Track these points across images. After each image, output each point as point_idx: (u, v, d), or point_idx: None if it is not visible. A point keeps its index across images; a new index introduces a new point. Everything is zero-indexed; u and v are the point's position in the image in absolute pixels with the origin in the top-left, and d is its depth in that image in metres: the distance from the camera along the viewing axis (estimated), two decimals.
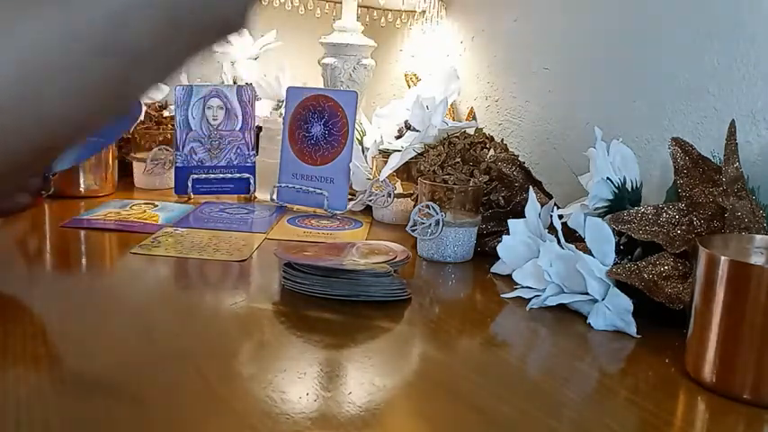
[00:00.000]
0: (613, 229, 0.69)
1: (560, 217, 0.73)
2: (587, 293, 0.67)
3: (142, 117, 1.18)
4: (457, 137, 0.95)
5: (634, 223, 0.70)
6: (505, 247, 0.77)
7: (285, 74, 1.28)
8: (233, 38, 1.30)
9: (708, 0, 0.82)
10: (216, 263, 0.79)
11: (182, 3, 0.34)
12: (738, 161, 0.69)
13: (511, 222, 0.78)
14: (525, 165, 0.91)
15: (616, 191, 0.75)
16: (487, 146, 0.94)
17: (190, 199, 1.10)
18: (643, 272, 0.66)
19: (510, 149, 0.97)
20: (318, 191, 1.04)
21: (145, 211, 0.99)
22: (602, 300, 0.66)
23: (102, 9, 0.32)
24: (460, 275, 0.82)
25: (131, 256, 0.80)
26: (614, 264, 0.68)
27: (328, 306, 0.67)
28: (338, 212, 1.04)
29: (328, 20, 1.29)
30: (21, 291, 0.68)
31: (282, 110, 1.12)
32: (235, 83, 1.30)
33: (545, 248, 0.71)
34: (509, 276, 0.76)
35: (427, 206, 0.84)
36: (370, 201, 1.03)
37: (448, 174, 0.88)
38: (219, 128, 1.11)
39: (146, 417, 0.46)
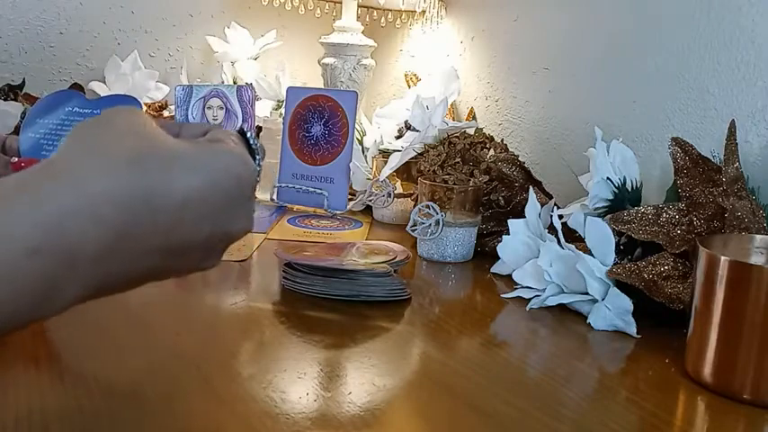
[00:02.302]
0: (613, 229, 0.69)
1: (560, 217, 0.73)
2: (587, 293, 0.67)
3: None
4: (457, 137, 0.94)
5: (634, 223, 0.70)
6: (505, 247, 0.77)
7: (285, 74, 1.28)
8: (233, 35, 1.31)
9: (708, 0, 0.82)
10: None
11: (133, 224, 0.33)
12: (738, 161, 0.69)
13: (511, 222, 0.78)
14: (525, 165, 0.91)
15: (616, 191, 0.75)
16: (487, 146, 0.94)
17: None
18: (643, 272, 0.66)
19: (510, 149, 0.97)
20: (318, 191, 1.04)
21: None
22: (602, 300, 0.66)
23: (38, 216, 0.31)
24: (460, 275, 0.82)
25: None
26: (614, 264, 0.68)
27: (328, 306, 0.67)
28: (338, 212, 1.04)
29: (328, 20, 1.29)
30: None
31: (282, 110, 1.12)
32: (235, 83, 1.30)
33: (545, 248, 0.71)
34: (509, 276, 0.76)
35: (427, 206, 0.84)
36: (370, 201, 1.03)
37: (448, 174, 0.88)
38: None
39: (146, 417, 0.46)
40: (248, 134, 0.43)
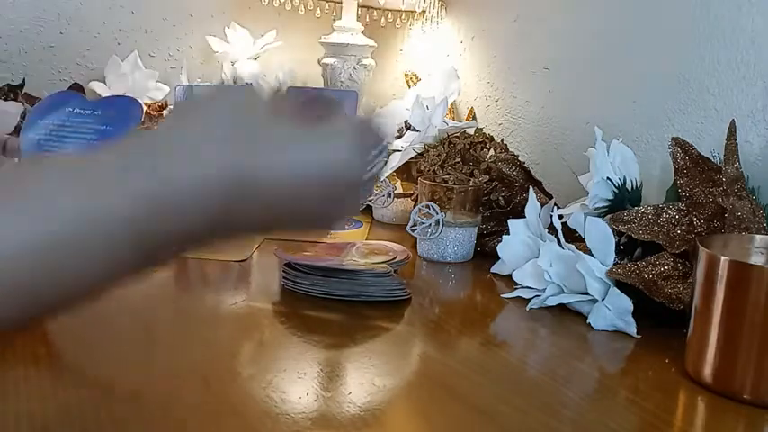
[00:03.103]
0: (613, 229, 0.69)
1: (560, 217, 0.73)
2: (587, 293, 0.67)
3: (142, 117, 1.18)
4: (457, 137, 0.94)
5: (634, 223, 0.70)
6: (505, 247, 0.77)
7: (285, 74, 1.28)
8: (233, 35, 1.31)
9: (708, 0, 0.82)
10: (216, 263, 0.79)
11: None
12: (738, 161, 0.69)
13: (511, 222, 0.78)
14: (525, 165, 0.90)
15: (616, 191, 0.75)
16: (487, 146, 0.94)
17: None
18: (643, 272, 0.66)
19: (510, 149, 0.97)
20: None
21: None
22: (602, 300, 0.66)
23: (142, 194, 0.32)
24: (460, 275, 0.82)
25: None
26: (614, 264, 0.67)
27: (328, 306, 0.67)
28: None
29: (328, 20, 1.29)
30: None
31: None
32: (235, 83, 1.29)
33: (545, 248, 0.71)
34: (509, 276, 0.76)
35: (427, 206, 0.84)
36: (370, 201, 1.03)
37: (448, 174, 0.88)
38: None
39: (146, 417, 0.46)
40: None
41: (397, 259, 0.75)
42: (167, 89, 1.25)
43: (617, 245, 0.70)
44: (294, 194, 0.36)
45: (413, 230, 0.85)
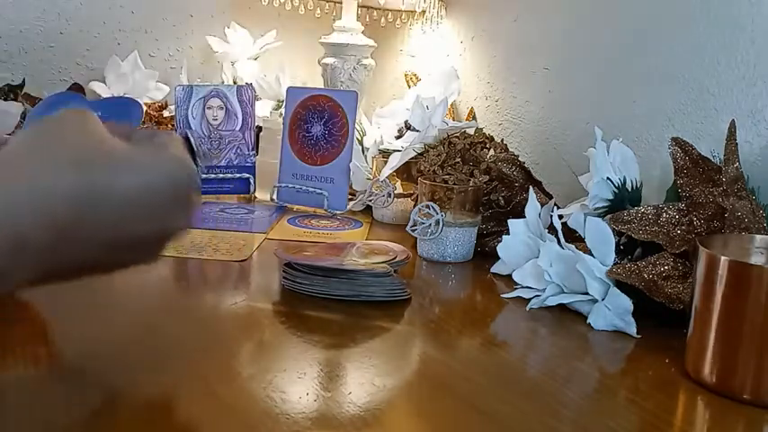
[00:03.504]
0: (613, 229, 0.69)
1: (560, 217, 0.73)
2: (587, 293, 0.67)
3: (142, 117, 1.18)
4: (457, 137, 0.94)
5: (634, 223, 0.70)
6: (505, 247, 0.77)
7: (285, 74, 1.28)
8: (233, 35, 1.31)
9: (708, 0, 0.82)
10: (216, 263, 0.79)
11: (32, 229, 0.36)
12: (738, 161, 0.69)
13: (511, 222, 0.78)
14: (525, 165, 0.91)
15: (616, 191, 0.75)
16: (487, 146, 0.94)
17: None
18: (643, 272, 0.66)
19: (510, 149, 0.97)
20: (318, 191, 1.04)
21: None
22: (602, 300, 0.66)
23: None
24: (460, 275, 0.82)
25: None
26: (614, 264, 0.68)
27: (328, 306, 0.67)
28: (338, 212, 1.04)
29: (328, 20, 1.29)
30: (21, 290, 0.68)
31: (282, 110, 1.12)
32: (235, 83, 1.30)
33: (545, 248, 0.71)
34: (509, 276, 0.76)
35: (427, 206, 0.84)
36: (370, 201, 1.03)
37: (448, 174, 0.88)
38: (219, 128, 1.11)
39: (146, 417, 0.46)
40: (191, 140, 0.49)
41: (397, 259, 0.75)
42: (167, 89, 1.25)
43: (617, 245, 0.70)
44: (135, 207, 0.39)
45: (413, 230, 0.85)
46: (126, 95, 1.18)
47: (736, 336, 0.53)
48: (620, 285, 0.66)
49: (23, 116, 0.99)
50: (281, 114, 1.12)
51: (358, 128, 1.10)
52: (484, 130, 1.07)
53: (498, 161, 0.89)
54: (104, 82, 1.22)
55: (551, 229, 0.73)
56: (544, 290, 0.71)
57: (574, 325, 0.67)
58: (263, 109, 1.27)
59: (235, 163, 1.12)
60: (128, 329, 0.60)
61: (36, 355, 0.53)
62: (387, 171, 0.99)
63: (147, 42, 1.31)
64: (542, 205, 0.78)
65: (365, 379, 0.53)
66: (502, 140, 0.99)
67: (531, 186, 0.83)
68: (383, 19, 1.29)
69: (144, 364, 0.53)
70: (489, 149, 0.93)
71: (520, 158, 0.92)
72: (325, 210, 1.04)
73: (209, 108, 1.11)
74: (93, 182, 0.37)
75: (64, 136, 0.39)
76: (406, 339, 0.63)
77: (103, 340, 0.57)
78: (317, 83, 1.28)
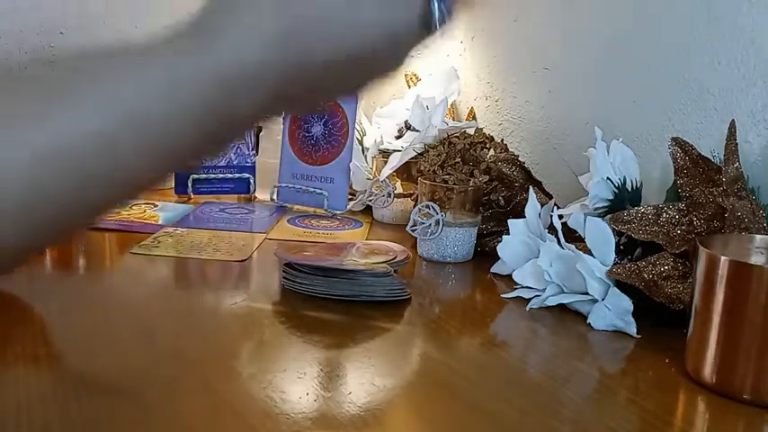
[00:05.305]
0: (613, 229, 0.69)
1: (560, 217, 0.73)
2: (587, 293, 0.67)
3: None
4: (457, 137, 0.94)
5: (634, 223, 0.70)
6: (505, 247, 0.77)
7: None
8: None
9: (708, 0, 0.82)
10: (216, 263, 0.79)
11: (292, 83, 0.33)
12: (738, 161, 0.69)
13: (511, 222, 0.78)
14: (525, 165, 0.90)
15: (616, 191, 0.75)
16: (487, 146, 0.94)
17: (190, 199, 1.09)
18: (643, 272, 0.66)
19: (510, 149, 0.97)
20: (318, 191, 1.04)
21: (145, 211, 0.99)
22: (602, 300, 0.66)
23: (211, 76, 0.31)
24: (460, 275, 0.82)
25: (131, 256, 0.80)
26: (614, 264, 0.67)
27: (328, 306, 0.67)
28: (338, 212, 1.04)
29: None
30: (21, 290, 0.68)
31: None
32: None
33: (545, 248, 0.71)
34: (509, 276, 0.76)
35: (427, 206, 0.84)
36: (370, 201, 1.03)
37: (448, 174, 0.88)
38: None
39: (146, 417, 0.46)
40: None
41: (397, 259, 0.75)
42: None
43: (617, 245, 0.70)
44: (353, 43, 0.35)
45: (413, 230, 0.85)
46: None
47: (736, 336, 0.53)
48: (620, 285, 0.66)
49: None
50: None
51: (358, 128, 1.10)
52: (484, 130, 1.07)
53: (498, 161, 0.89)
54: None
55: (551, 229, 0.73)
56: (544, 290, 0.71)
57: (574, 325, 0.67)
58: None
59: (235, 163, 1.12)
60: (128, 329, 0.60)
61: (36, 355, 0.53)
62: (387, 171, 0.99)
63: None
64: (542, 205, 0.78)
65: (365, 379, 0.53)
66: (502, 140, 0.99)
67: (531, 186, 0.83)
68: None
69: (144, 364, 0.53)
70: (489, 149, 0.93)
71: (520, 158, 0.92)
72: (325, 210, 1.04)
73: None
74: (303, 53, 0.34)
75: None
76: (406, 339, 0.63)
77: (103, 340, 0.57)
78: None
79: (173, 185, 1.10)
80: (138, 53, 0.32)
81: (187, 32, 0.33)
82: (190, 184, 1.10)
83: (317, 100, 0.40)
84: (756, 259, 0.60)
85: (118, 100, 0.30)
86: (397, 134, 1.12)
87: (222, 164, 1.12)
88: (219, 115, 0.32)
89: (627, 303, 0.65)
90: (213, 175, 1.11)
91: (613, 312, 0.65)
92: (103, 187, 0.30)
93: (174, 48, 0.33)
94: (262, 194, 1.12)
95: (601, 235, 0.68)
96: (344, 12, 0.35)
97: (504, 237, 0.77)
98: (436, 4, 0.38)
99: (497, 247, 0.78)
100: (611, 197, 0.75)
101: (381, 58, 0.38)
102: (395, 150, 1.03)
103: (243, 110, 0.33)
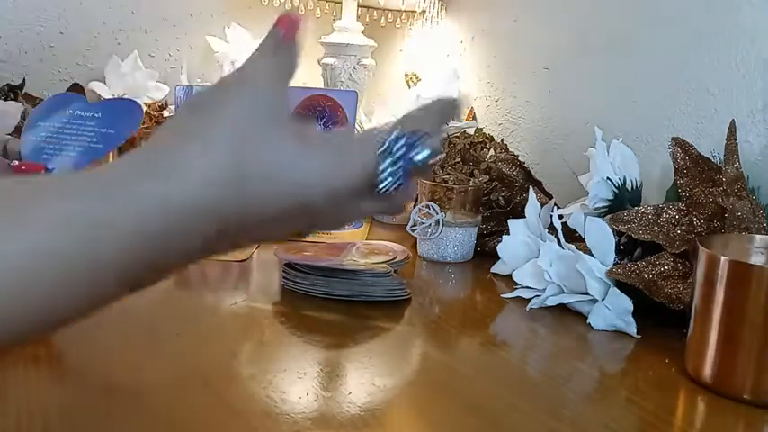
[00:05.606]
0: (613, 229, 0.69)
1: (560, 217, 0.73)
2: (587, 293, 0.67)
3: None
4: (457, 137, 0.94)
5: (634, 223, 0.70)
6: (505, 247, 0.77)
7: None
8: (233, 35, 1.31)
9: (708, 0, 0.82)
10: (216, 263, 0.79)
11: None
12: (738, 161, 0.69)
13: (511, 222, 0.78)
14: (525, 165, 0.91)
15: (616, 191, 0.75)
16: (487, 146, 0.94)
17: None
18: (643, 272, 0.66)
19: (510, 149, 0.97)
20: None
21: None
22: (602, 300, 0.66)
23: (155, 211, 0.32)
24: (460, 275, 0.82)
25: None
26: (614, 264, 0.67)
27: (328, 306, 0.67)
28: None
29: (328, 20, 1.29)
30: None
31: None
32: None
33: (545, 248, 0.71)
34: (509, 276, 0.76)
35: (427, 206, 0.84)
36: (414, 230, 1.01)
37: (448, 174, 0.88)
38: None
39: (146, 416, 0.46)
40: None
41: (397, 259, 0.75)
42: (167, 89, 1.25)
43: (617, 245, 0.70)
44: (295, 199, 0.35)
45: (413, 230, 0.85)
46: (126, 95, 1.18)
47: (736, 336, 0.53)
48: (620, 285, 0.66)
49: (23, 116, 0.99)
50: None
51: (358, 128, 1.10)
52: (484, 130, 1.07)
53: (498, 161, 0.89)
54: (104, 82, 1.22)
55: (551, 229, 0.73)
56: (544, 290, 0.71)
57: (574, 325, 0.67)
58: None
59: None
60: (127, 329, 0.60)
61: (36, 355, 0.53)
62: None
63: (147, 42, 1.31)
64: (542, 205, 0.78)
65: (365, 379, 0.53)
66: (502, 140, 0.99)
67: (531, 186, 0.83)
68: (383, 19, 1.29)
69: (144, 364, 0.53)
70: (489, 149, 0.93)
71: (520, 158, 0.92)
72: None
73: None
74: (246, 198, 0.34)
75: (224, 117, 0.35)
76: (406, 339, 0.63)
77: (103, 340, 0.57)
78: (317, 83, 1.28)
79: None
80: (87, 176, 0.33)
81: (129, 170, 0.33)
82: None
83: (248, 244, 0.40)
84: (756, 259, 0.60)
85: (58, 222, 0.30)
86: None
87: None
88: (146, 261, 0.34)
89: (627, 303, 0.65)
90: None
91: (613, 312, 0.65)
92: (23, 314, 0.30)
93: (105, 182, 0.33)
94: None
95: (601, 235, 0.68)
96: (292, 168, 0.35)
97: (504, 237, 0.77)
98: (388, 171, 0.37)
99: (497, 247, 0.78)
100: (611, 197, 0.75)
101: (324, 215, 0.38)
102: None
103: (175, 251, 0.34)
